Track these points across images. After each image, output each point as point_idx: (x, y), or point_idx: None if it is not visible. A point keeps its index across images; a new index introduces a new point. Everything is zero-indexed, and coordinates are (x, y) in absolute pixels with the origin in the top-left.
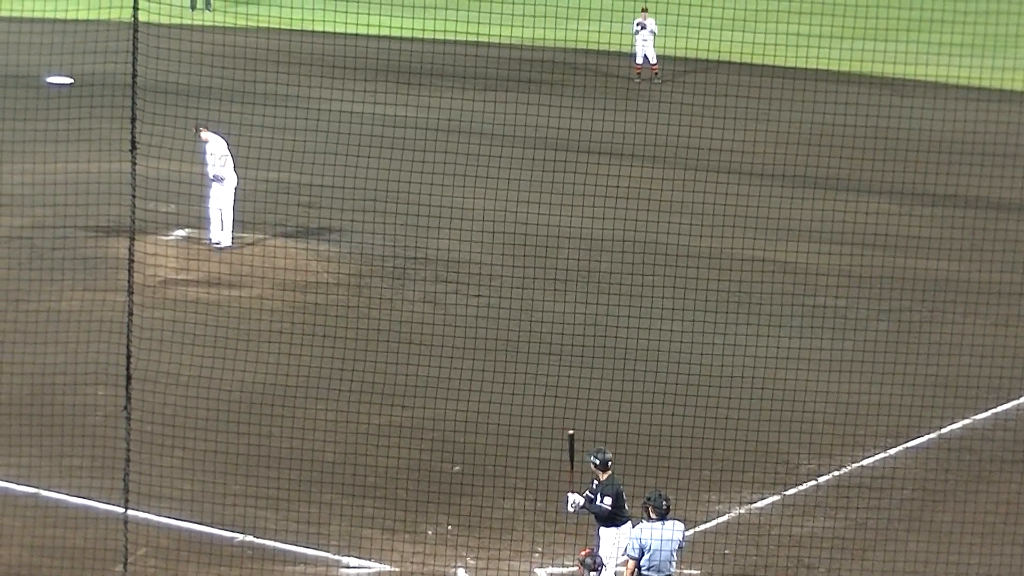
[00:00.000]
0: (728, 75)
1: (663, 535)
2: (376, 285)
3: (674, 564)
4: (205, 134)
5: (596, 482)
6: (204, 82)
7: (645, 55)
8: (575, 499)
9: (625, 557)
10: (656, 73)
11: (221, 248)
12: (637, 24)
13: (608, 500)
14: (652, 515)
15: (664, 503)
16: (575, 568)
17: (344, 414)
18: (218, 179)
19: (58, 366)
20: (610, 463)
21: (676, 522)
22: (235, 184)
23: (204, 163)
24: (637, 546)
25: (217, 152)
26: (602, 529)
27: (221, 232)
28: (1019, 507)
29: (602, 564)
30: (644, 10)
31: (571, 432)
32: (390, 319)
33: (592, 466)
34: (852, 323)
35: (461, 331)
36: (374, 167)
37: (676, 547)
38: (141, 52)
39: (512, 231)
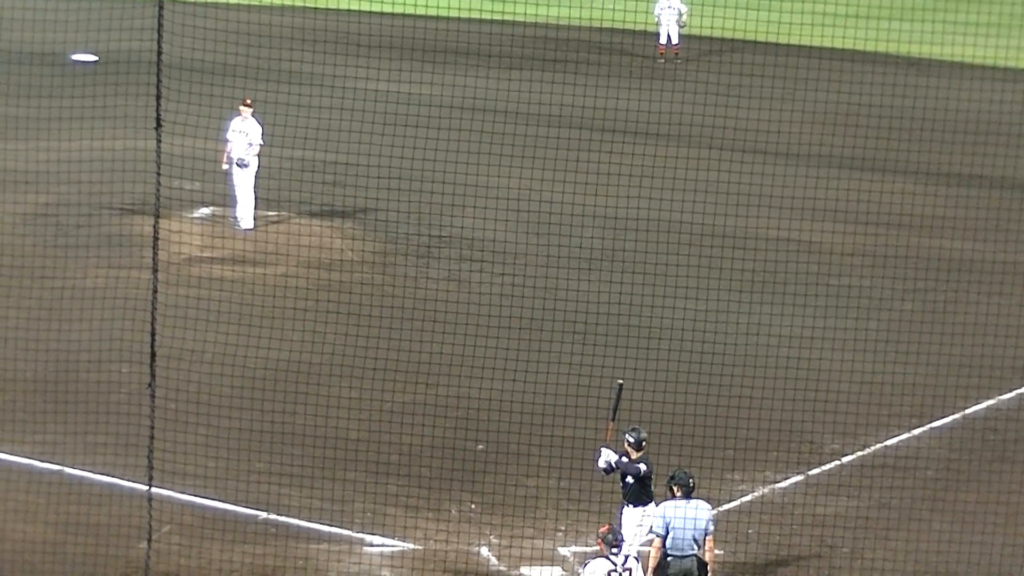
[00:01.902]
0: (753, 55)
1: (687, 514)
2: (400, 263)
3: (697, 546)
4: (246, 111)
5: (627, 459)
6: (229, 60)
7: (669, 35)
8: (609, 455)
9: (651, 536)
10: (676, 54)
11: (244, 229)
12: (659, 8)
13: (643, 467)
14: (677, 493)
15: (689, 480)
16: (596, 545)
17: (368, 392)
18: (243, 164)
19: (82, 343)
20: (644, 443)
21: (701, 502)
22: (257, 168)
23: (226, 140)
24: (662, 523)
25: (252, 138)
26: (626, 509)
27: (245, 212)
28: None
29: (622, 540)
30: None
31: (620, 382)
32: (414, 297)
33: (626, 444)
34: (876, 303)
35: (485, 309)
36: (398, 145)
37: (701, 528)
38: (166, 29)
39: (536, 210)
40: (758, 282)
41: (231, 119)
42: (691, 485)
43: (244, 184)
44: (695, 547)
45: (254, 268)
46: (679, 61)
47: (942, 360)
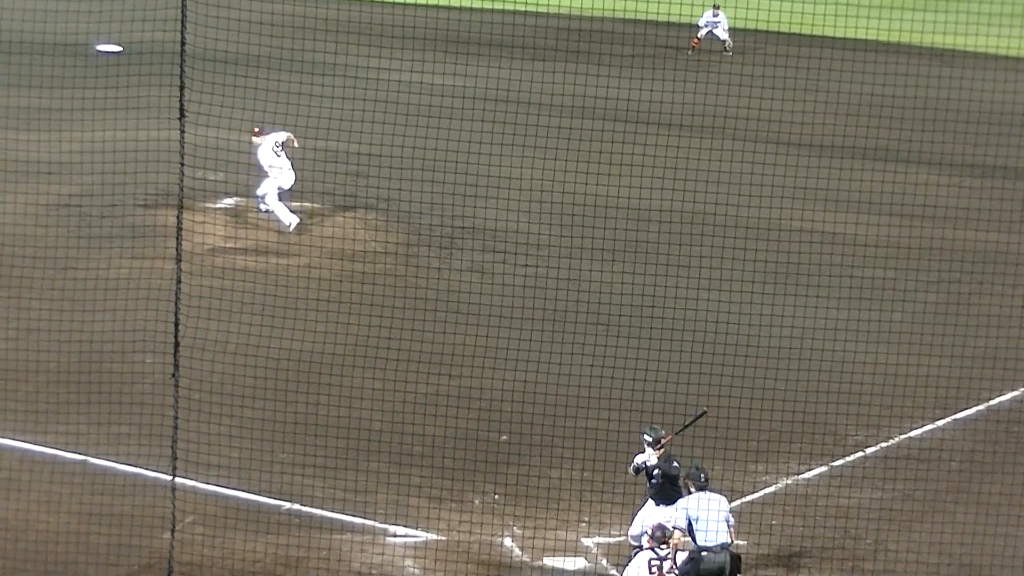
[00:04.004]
0: (776, 45)
1: (709, 505)
2: (424, 254)
3: (728, 538)
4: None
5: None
6: (253, 50)
7: (712, 34)
8: (651, 458)
9: (672, 529)
10: (725, 48)
11: (292, 229)
12: (706, 21)
13: (676, 465)
14: (692, 488)
15: (701, 475)
16: (645, 538)
17: (391, 383)
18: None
19: (106, 334)
20: (662, 440)
21: (716, 494)
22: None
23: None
24: (684, 516)
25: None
26: (648, 504)
27: (284, 215)
28: None
29: (671, 536)
30: (716, 7)
31: (705, 409)
32: (437, 288)
33: (644, 443)
34: (900, 295)
35: (508, 300)
36: (422, 136)
37: (724, 518)
38: (190, 20)
39: (560, 201)
40: (782, 273)
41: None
42: (703, 479)
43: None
44: (727, 539)
45: (278, 259)
46: (730, 54)
47: (966, 352)
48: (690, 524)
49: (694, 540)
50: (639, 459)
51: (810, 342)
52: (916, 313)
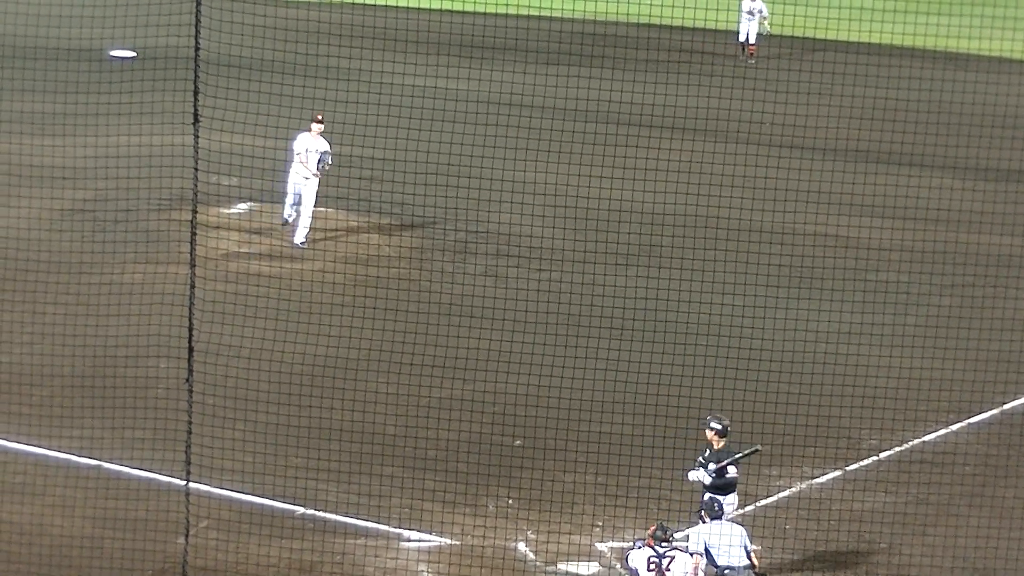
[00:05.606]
0: (791, 50)
1: (721, 531)
2: (438, 259)
3: (748, 560)
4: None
5: (709, 450)
6: (267, 55)
7: (748, 33)
8: (702, 476)
9: (694, 554)
10: (752, 54)
11: (299, 244)
12: (747, 11)
13: (732, 471)
14: (707, 519)
15: (716, 504)
16: (647, 544)
17: (405, 387)
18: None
19: (120, 339)
20: (728, 430)
21: (732, 523)
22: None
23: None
24: (701, 541)
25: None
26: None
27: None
28: None
29: (671, 535)
30: None
31: (759, 447)
32: (451, 293)
33: (710, 432)
34: (915, 299)
35: (523, 305)
36: (436, 140)
37: (739, 543)
38: (204, 25)
39: (574, 205)
40: (796, 277)
41: (299, 135)
42: (718, 509)
43: (309, 199)
44: (746, 561)
45: (291, 263)
46: (752, 61)
47: (980, 356)
48: (707, 551)
49: (715, 565)
50: (692, 476)
51: (824, 346)
52: (931, 317)
